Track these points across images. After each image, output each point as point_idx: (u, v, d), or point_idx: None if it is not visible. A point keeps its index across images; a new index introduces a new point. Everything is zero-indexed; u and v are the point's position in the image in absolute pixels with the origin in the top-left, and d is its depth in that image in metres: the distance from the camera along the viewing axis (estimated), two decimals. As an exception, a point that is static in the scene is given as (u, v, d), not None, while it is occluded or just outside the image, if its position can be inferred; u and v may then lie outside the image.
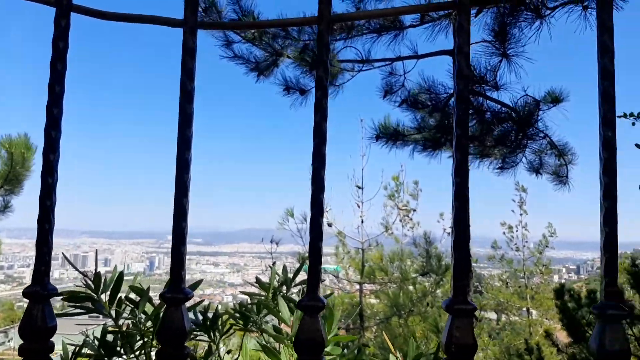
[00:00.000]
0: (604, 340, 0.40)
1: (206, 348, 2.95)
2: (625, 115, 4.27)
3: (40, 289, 0.44)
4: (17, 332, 0.46)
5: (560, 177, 5.19)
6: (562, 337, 9.99)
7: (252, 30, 4.74)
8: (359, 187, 9.82)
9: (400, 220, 10.68)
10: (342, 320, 9.32)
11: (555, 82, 5.07)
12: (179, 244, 0.41)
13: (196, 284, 2.72)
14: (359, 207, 9.90)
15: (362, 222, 9.82)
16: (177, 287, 0.41)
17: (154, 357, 2.34)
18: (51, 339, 0.45)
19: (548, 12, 4.03)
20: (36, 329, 0.43)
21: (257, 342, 2.67)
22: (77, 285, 2.46)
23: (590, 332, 7.07)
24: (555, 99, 4.73)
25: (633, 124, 4.24)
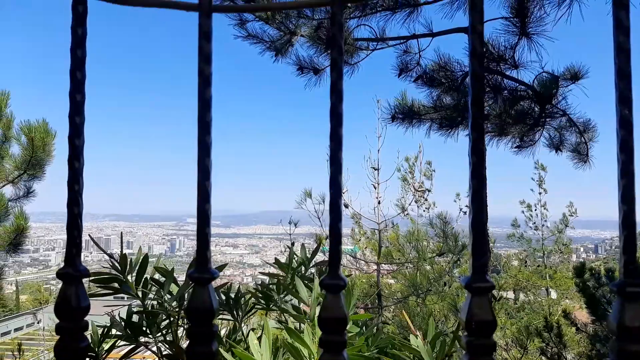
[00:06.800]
0: (624, 318, 0.41)
1: (230, 327, 3.01)
2: None
3: (72, 270, 0.47)
4: (54, 312, 0.48)
5: (581, 155, 5.09)
6: (580, 316, 9.94)
7: (266, 10, 4.69)
8: (375, 169, 9.79)
9: (416, 201, 10.66)
10: (361, 300, 9.40)
11: (576, 60, 4.94)
12: (203, 226, 0.42)
13: (221, 267, 2.78)
14: (375, 188, 9.88)
15: (378, 203, 9.82)
16: (204, 267, 0.42)
17: (180, 336, 2.40)
18: (85, 318, 0.47)
19: None
20: (70, 309, 0.46)
21: (278, 321, 2.72)
22: (102, 267, 2.53)
23: (610, 310, 7.04)
24: (574, 76, 4.61)
25: None
